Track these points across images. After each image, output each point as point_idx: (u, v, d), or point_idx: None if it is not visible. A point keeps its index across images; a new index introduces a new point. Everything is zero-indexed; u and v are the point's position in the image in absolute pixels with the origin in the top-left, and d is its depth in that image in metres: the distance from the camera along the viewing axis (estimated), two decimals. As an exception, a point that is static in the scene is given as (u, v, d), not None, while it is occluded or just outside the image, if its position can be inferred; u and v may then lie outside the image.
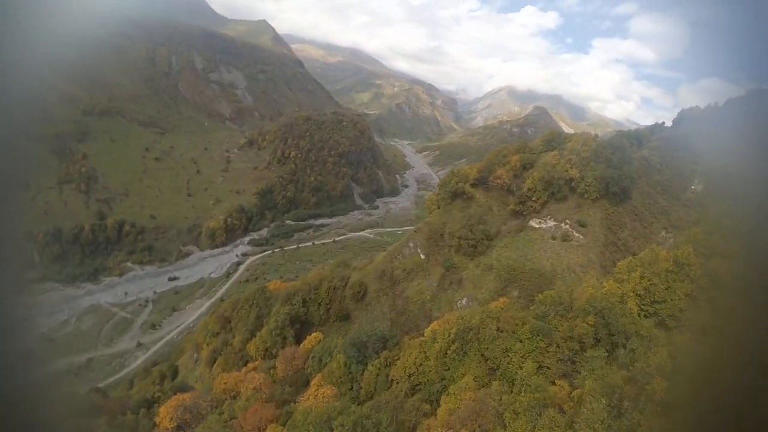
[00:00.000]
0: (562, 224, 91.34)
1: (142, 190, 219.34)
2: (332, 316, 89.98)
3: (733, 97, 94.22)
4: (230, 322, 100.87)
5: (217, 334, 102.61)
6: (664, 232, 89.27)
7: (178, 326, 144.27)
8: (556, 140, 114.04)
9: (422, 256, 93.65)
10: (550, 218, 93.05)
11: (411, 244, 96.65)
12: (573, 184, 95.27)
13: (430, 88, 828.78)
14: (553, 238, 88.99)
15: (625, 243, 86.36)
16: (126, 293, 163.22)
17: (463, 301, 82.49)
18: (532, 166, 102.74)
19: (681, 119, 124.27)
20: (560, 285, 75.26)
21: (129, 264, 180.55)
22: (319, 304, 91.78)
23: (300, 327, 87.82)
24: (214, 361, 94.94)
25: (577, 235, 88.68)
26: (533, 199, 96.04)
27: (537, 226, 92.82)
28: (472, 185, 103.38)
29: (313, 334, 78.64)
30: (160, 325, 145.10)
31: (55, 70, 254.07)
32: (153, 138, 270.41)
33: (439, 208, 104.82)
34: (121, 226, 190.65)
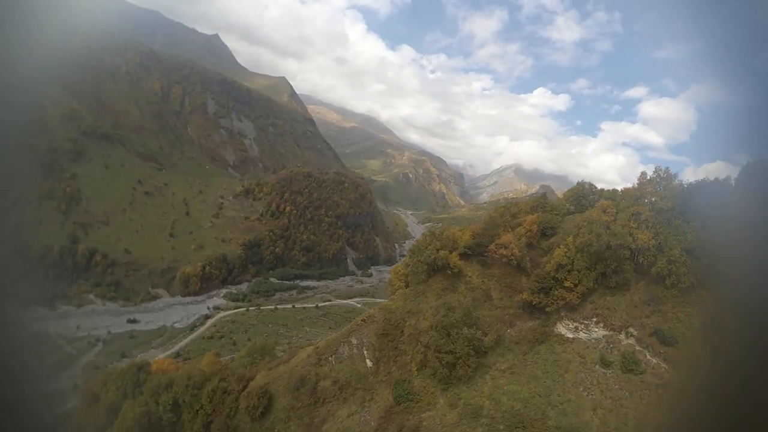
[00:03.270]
0: (623, 335, 53.65)
1: (123, 222, 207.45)
2: None
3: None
4: (99, 400, 72.42)
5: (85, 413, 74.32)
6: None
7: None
8: (589, 197, 77.66)
9: (368, 363, 59.76)
10: (597, 322, 56.11)
11: (354, 341, 61.90)
12: (641, 259, 57.64)
13: (438, 161, 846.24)
14: (605, 363, 51.17)
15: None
16: (78, 327, 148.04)
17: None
18: (554, 233, 69.31)
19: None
20: None
21: (91, 296, 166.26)
22: (197, 411, 60.24)
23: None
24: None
25: (654, 360, 49.51)
26: (566, 284, 58.69)
27: (571, 335, 55.94)
28: (462, 255, 67.66)
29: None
30: (104, 369, 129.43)
31: (62, 86, 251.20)
32: (149, 172, 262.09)
33: (407, 286, 69.28)
34: (92, 255, 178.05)
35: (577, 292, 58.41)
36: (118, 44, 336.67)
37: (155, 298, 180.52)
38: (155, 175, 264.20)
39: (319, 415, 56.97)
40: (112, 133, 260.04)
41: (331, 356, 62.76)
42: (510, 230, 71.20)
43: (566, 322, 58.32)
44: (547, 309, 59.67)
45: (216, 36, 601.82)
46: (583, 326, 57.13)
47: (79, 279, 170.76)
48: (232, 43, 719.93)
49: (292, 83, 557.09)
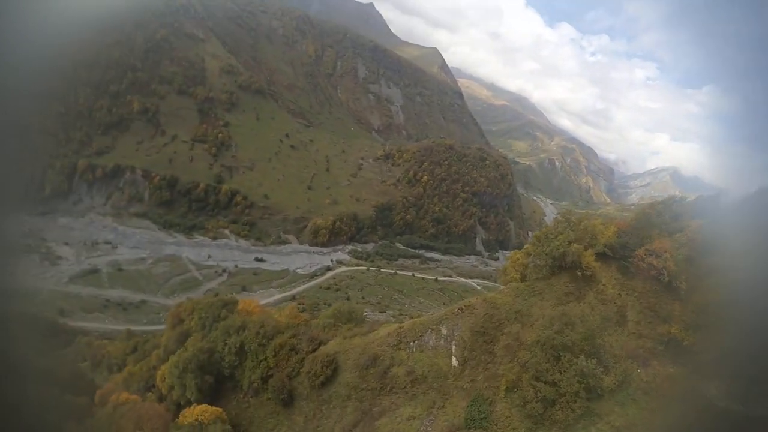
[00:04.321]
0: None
1: (267, 170, 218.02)
2: (269, 391, 53.09)
3: None
4: (183, 321, 70.49)
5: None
6: None
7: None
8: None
9: (453, 362, 47.87)
10: None
11: (444, 331, 49.97)
12: None
13: (588, 152, 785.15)
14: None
15: None
16: (209, 256, 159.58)
17: None
18: (725, 249, 46.29)
19: None
20: None
21: (226, 231, 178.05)
22: (260, 362, 55.49)
23: (216, 382, 56.38)
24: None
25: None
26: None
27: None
28: (600, 256, 51.25)
29: (202, 409, 47.88)
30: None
31: (223, 42, 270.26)
32: (296, 127, 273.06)
33: (522, 280, 55.22)
34: (233, 195, 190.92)
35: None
36: (276, 8, 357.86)
37: (284, 242, 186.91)
38: (302, 131, 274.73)
39: (380, 405, 47.22)
40: (266, 89, 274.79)
41: (414, 341, 50.75)
42: (667, 235, 52.05)
43: (723, 381, 37.08)
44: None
45: (371, 5, 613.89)
46: (746, 393, 35.66)
47: (218, 215, 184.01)
48: (386, 12, 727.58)
49: (443, 55, 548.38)
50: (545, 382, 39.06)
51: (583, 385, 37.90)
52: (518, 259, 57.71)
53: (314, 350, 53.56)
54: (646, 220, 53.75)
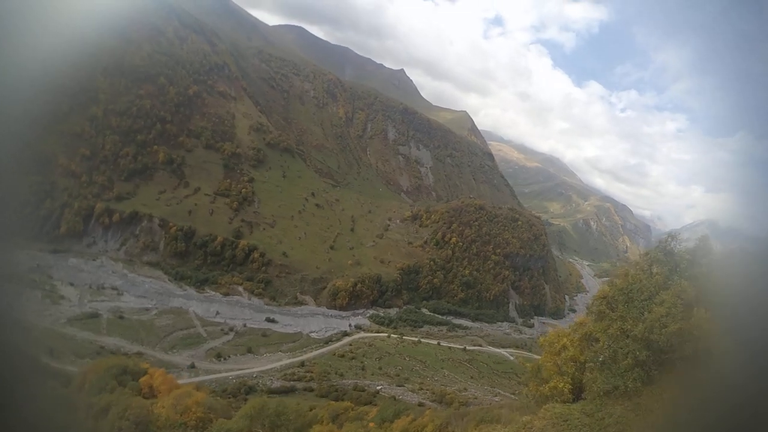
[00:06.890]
0: None
1: (289, 228, 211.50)
2: None
3: None
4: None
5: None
6: None
7: (239, 369, 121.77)
8: None
9: None
10: None
11: None
12: None
13: (623, 210, 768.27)
14: None
15: None
16: (218, 313, 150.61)
17: None
18: None
19: None
20: None
21: (239, 288, 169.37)
22: None
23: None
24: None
25: None
26: None
27: None
28: None
29: None
30: (225, 359, 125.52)
31: (255, 102, 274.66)
32: (323, 186, 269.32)
33: (576, 396, 21.85)
34: (251, 251, 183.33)
35: None
36: (308, 71, 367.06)
37: (300, 303, 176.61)
38: (329, 190, 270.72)
39: None
40: (295, 148, 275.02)
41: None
42: None
43: None
44: None
45: (401, 71, 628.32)
46: None
47: (233, 270, 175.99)
48: (416, 77, 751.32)
49: (474, 118, 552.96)
50: None
51: None
52: (566, 347, 25.37)
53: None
54: None
